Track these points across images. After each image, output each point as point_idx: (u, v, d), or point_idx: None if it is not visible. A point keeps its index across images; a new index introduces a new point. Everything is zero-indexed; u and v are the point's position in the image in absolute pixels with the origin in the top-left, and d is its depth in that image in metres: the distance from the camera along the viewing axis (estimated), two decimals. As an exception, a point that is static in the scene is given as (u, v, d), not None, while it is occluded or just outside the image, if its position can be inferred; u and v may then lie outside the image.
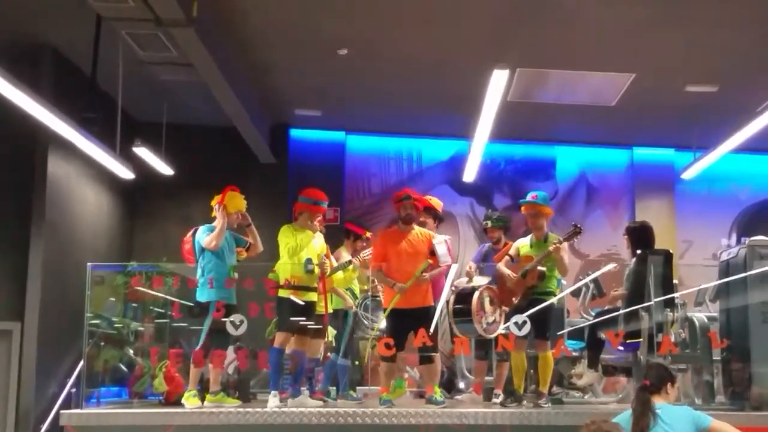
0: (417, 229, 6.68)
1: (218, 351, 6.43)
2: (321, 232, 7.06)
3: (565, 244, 6.49)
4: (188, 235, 6.77)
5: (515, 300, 6.51)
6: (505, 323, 6.47)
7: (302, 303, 6.55)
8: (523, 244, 6.67)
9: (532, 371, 6.66)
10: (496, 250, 7.22)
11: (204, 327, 6.43)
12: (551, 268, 6.50)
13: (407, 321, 6.38)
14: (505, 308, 6.58)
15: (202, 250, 6.53)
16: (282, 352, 6.51)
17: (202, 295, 6.46)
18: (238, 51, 8.76)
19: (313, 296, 6.62)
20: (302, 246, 6.57)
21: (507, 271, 6.54)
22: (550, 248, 6.39)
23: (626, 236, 6.79)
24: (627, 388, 7.30)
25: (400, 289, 6.38)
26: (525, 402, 6.34)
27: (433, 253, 6.50)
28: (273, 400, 6.25)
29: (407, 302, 6.42)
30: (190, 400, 6.31)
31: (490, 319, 6.59)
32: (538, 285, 6.46)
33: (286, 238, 6.62)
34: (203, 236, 6.52)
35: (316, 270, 6.59)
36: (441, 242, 6.62)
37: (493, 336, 6.56)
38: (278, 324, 6.55)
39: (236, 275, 6.56)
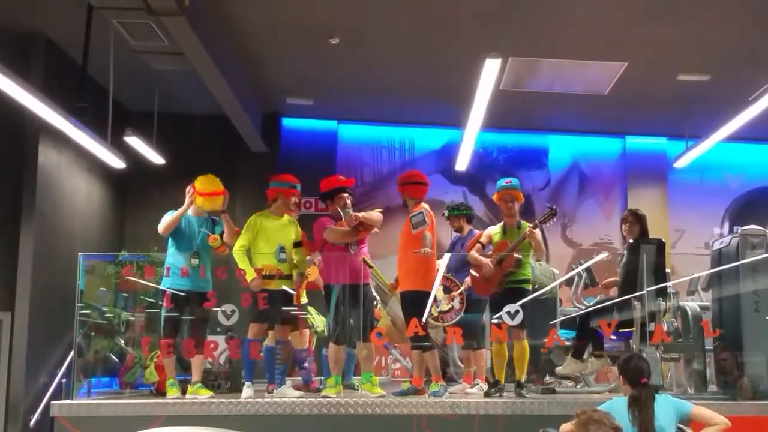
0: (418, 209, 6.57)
1: (168, 340, 6.37)
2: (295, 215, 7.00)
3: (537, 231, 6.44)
4: None
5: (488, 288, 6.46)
6: (492, 312, 6.44)
7: (281, 292, 6.44)
8: (495, 231, 6.61)
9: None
10: (461, 239, 7.19)
11: (161, 317, 6.42)
12: (526, 255, 6.44)
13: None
14: (485, 295, 6.54)
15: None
16: (254, 343, 6.43)
17: (162, 283, 6.43)
18: (229, 40, 8.71)
19: (287, 285, 6.51)
20: (271, 238, 6.48)
21: (483, 259, 6.45)
22: (526, 231, 6.36)
23: (628, 224, 6.70)
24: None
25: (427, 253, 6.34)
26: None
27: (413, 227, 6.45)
28: (247, 391, 6.24)
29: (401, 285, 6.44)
30: (171, 391, 6.35)
31: (445, 307, 6.56)
32: (514, 272, 6.42)
33: (246, 231, 6.53)
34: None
35: (295, 259, 6.55)
36: (418, 212, 6.48)
37: (449, 323, 6.53)
38: (250, 315, 6.45)
39: (195, 262, 6.45)
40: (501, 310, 6.19)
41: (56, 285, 8.56)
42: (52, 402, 6.25)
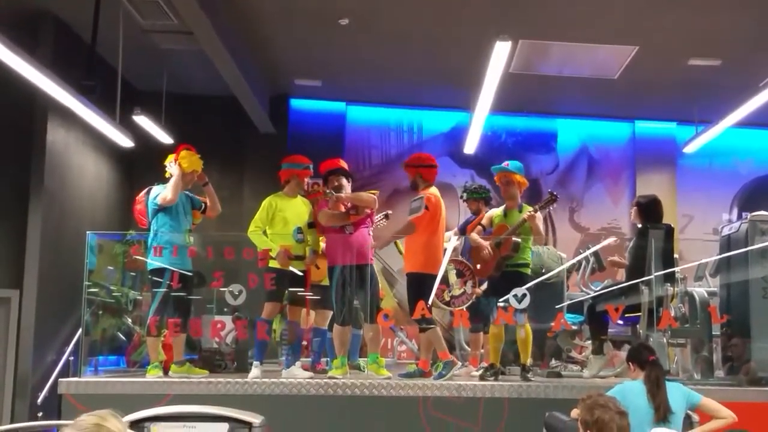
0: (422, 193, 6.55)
1: (174, 320, 6.38)
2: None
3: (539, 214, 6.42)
4: (141, 195, 6.71)
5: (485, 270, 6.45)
6: (490, 295, 6.43)
7: (293, 272, 6.47)
8: (496, 214, 6.60)
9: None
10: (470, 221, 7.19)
11: (156, 296, 6.39)
12: (526, 239, 6.42)
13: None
14: (479, 277, 6.54)
15: (156, 211, 6.46)
16: (269, 323, 6.47)
17: (155, 261, 6.36)
18: (238, 20, 8.67)
19: (299, 266, 6.52)
20: (290, 218, 6.51)
21: (482, 241, 6.44)
22: (524, 216, 6.34)
23: (636, 209, 6.70)
24: (625, 363, 7.32)
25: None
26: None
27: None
28: (255, 371, 6.27)
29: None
30: (151, 371, 6.34)
31: (457, 292, 6.55)
32: (513, 256, 6.40)
33: (261, 212, 6.55)
34: (158, 194, 6.43)
35: (308, 239, 6.55)
36: (418, 197, 6.50)
37: (462, 307, 6.53)
38: (266, 294, 6.47)
39: (191, 240, 6.50)
40: (499, 294, 6.21)
41: (64, 263, 8.59)
42: (59, 379, 6.30)
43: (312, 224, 6.70)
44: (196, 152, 6.68)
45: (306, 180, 6.76)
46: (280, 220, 6.53)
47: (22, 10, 8.41)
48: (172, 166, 6.54)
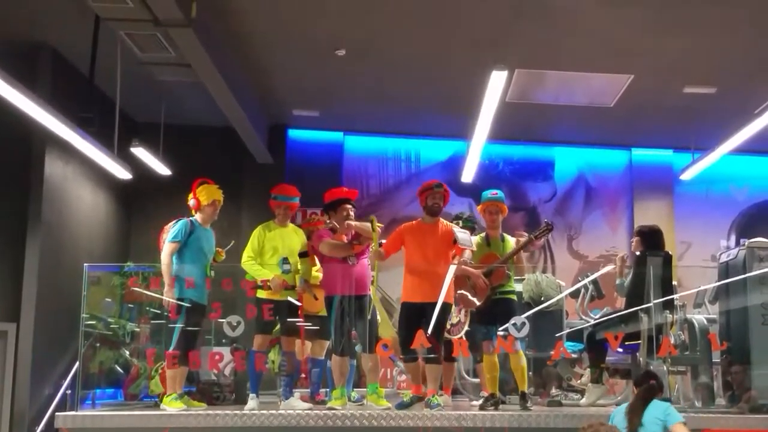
0: (441, 221, 6.46)
1: (173, 352, 6.31)
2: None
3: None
4: (169, 225, 6.67)
5: (473, 298, 6.40)
6: (478, 324, 6.39)
7: (285, 302, 6.43)
8: (477, 243, 6.55)
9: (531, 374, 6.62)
10: None
11: (175, 328, 6.35)
12: (511, 268, 6.42)
13: (421, 315, 6.15)
14: (471, 307, 6.48)
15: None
16: (260, 355, 6.37)
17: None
18: (236, 51, 8.74)
19: (292, 296, 6.48)
20: (276, 246, 6.48)
21: (473, 270, 6.35)
22: (521, 240, 6.35)
23: (638, 238, 6.70)
24: (626, 391, 7.28)
25: (378, 255, 6.17)
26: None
27: (455, 241, 6.24)
28: (251, 403, 6.22)
29: (425, 296, 6.17)
30: (172, 404, 6.22)
31: (455, 320, 6.52)
32: (504, 284, 6.38)
33: (251, 243, 6.54)
34: (170, 234, 6.44)
35: (300, 269, 6.54)
36: (464, 231, 6.45)
37: (456, 337, 6.49)
38: (255, 326, 6.42)
39: (212, 273, 6.47)
40: (489, 322, 6.18)
41: (62, 296, 8.56)
42: (56, 414, 6.24)
43: (304, 254, 6.67)
44: (213, 183, 6.68)
45: (287, 211, 6.69)
46: (269, 250, 6.50)
47: (20, 43, 8.48)
48: (192, 201, 6.58)
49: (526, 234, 6.54)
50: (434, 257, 6.22)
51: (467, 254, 6.26)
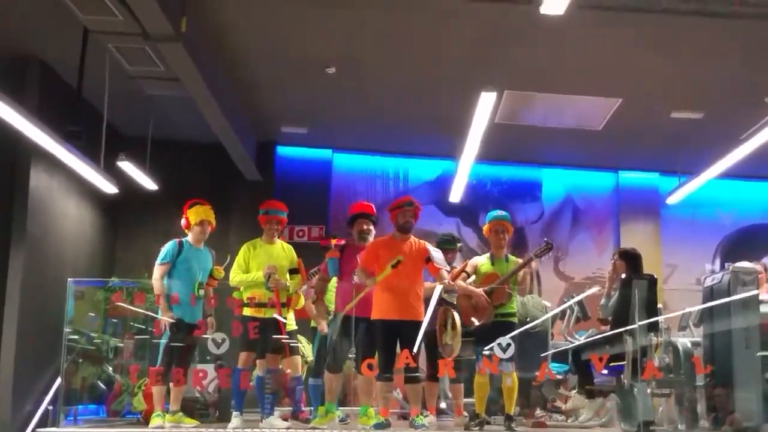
0: (413, 239, 6.43)
1: (177, 368, 6.32)
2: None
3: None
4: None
5: (474, 319, 6.38)
6: (479, 344, 6.35)
7: (269, 320, 6.41)
8: (482, 263, 6.54)
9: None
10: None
11: (159, 344, 6.39)
12: (512, 288, 6.40)
13: (396, 334, 6.16)
14: (473, 322, 6.43)
15: None
16: (245, 372, 6.35)
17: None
18: (225, 67, 8.75)
19: (273, 313, 6.45)
20: (262, 263, 6.46)
21: (475, 290, 6.35)
22: (521, 261, 6.34)
23: (622, 260, 6.70)
24: (610, 412, 7.27)
25: (371, 283, 6.14)
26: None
27: (429, 259, 6.24)
28: (234, 421, 6.19)
29: (401, 313, 6.16)
30: (154, 420, 6.26)
31: (449, 341, 6.47)
32: (505, 304, 6.37)
33: (237, 260, 6.55)
34: (159, 257, 6.50)
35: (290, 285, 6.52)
36: (437, 250, 6.46)
37: (449, 358, 6.43)
38: (239, 344, 6.40)
39: (201, 293, 6.47)
40: (487, 343, 6.15)
41: (45, 310, 8.46)
42: (37, 430, 6.18)
43: (294, 270, 6.65)
44: (205, 204, 6.70)
45: (275, 226, 6.67)
46: (254, 267, 6.49)
47: (8, 55, 8.45)
48: (183, 221, 6.64)
49: (527, 255, 6.52)
50: (407, 274, 6.17)
51: (443, 273, 6.25)
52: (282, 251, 6.69)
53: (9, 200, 8.70)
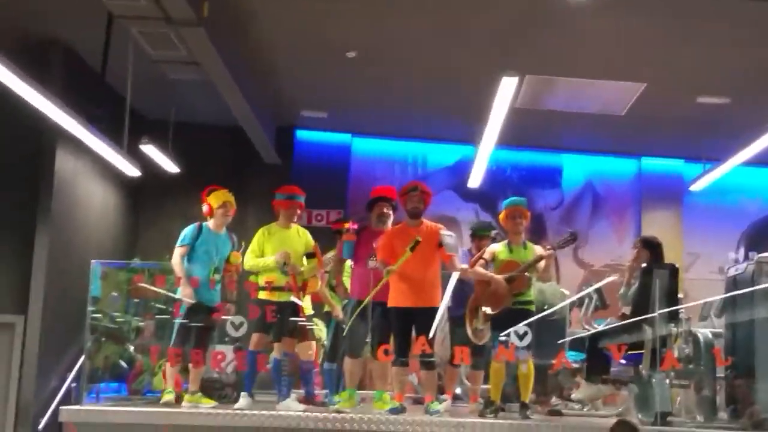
0: (426, 223, 6.43)
1: (195, 350, 6.41)
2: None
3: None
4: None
5: (488, 309, 6.38)
6: (495, 331, 6.36)
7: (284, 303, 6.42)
8: (499, 250, 6.47)
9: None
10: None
11: (174, 325, 6.51)
12: (532, 276, 6.35)
13: (411, 321, 6.17)
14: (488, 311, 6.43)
15: None
16: (255, 354, 6.39)
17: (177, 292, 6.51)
18: (246, 51, 8.76)
19: (290, 296, 6.47)
20: (277, 247, 6.46)
21: (496, 276, 6.29)
22: (544, 253, 6.29)
23: (646, 250, 6.64)
24: (627, 402, 7.25)
25: (389, 272, 6.11)
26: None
27: (441, 244, 6.23)
28: (242, 401, 6.24)
29: (415, 300, 6.18)
30: (164, 396, 6.44)
31: (481, 326, 6.49)
32: (524, 292, 6.36)
33: (253, 245, 6.56)
34: (179, 239, 6.58)
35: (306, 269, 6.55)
36: (450, 234, 6.41)
37: (481, 343, 6.47)
38: (254, 326, 6.43)
39: (217, 277, 6.55)
40: (506, 330, 6.14)
41: (69, 290, 8.59)
42: (60, 407, 6.29)
43: (311, 254, 6.68)
44: (220, 188, 6.76)
45: (293, 210, 6.65)
46: (270, 252, 6.48)
47: (32, 40, 8.54)
48: (205, 208, 6.69)
49: (550, 244, 6.49)
50: (422, 260, 6.17)
51: (456, 261, 6.26)
52: (297, 236, 6.69)
53: (35, 182, 8.84)
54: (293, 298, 6.62)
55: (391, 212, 6.71)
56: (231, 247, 6.76)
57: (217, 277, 6.58)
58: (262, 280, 6.49)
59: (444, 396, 7.08)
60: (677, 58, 8.58)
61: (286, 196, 6.71)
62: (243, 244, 6.78)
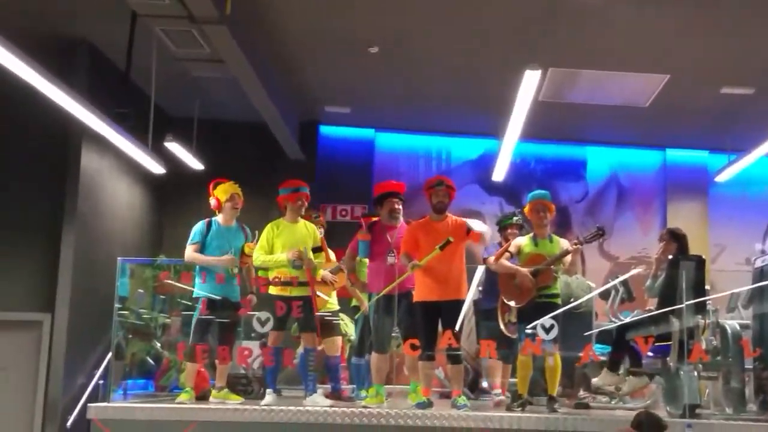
0: (450, 217, 6.45)
1: (221, 346, 6.45)
2: (322, 225, 7.15)
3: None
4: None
5: (512, 301, 6.37)
6: (520, 324, 6.34)
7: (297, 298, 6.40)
8: (525, 243, 6.47)
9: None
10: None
11: (192, 322, 6.54)
12: (558, 270, 6.34)
13: (437, 314, 6.19)
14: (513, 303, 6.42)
15: None
16: (281, 350, 6.44)
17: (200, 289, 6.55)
18: (269, 48, 8.79)
19: (304, 291, 6.44)
20: (287, 243, 6.46)
21: (521, 269, 6.30)
22: (570, 248, 6.26)
23: (675, 243, 6.59)
24: (655, 394, 7.21)
25: (414, 267, 6.13)
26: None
27: (469, 230, 6.24)
28: (268, 398, 6.29)
29: (441, 293, 6.19)
30: (180, 396, 6.49)
31: (514, 320, 6.49)
32: (550, 285, 6.34)
33: (261, 241, 6.55)
34: (189, 238, 6.61)
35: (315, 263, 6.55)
36: (477, 220, 6.45)
37: (514, 336, 6.48)
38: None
39: (234, 271, 6.58)
40: (530, 323, 6.14)
41: (96, 287, 8.68)
42: (88, 405, 6.35)
43: (318, 249, 6.66)
44: (226, 180, 6.79)
45: (299, 203, 6.61)
46: (279, 247, 6.47)
47: (58, 39, 8.61)
48: (213, 202, 6.73)
49: (577, 239, 6.47)
50: (446, 253, 6.16)
51: (486, 237, 6.29)
52: (305, 230, 6.67)
53: (61, 180, 8.92)
54: (320, 294, 6.64)
55: (401, 207, 6.71)
56: (244, 239, 6.75)
57: (235, 270, 6.59)
58: (271, 275, 6.47)
59: (496, 390, 7.09)
60: (700, 49, 8.49)
61: (291, 189, 6.67)
62: (257, 233, 6.77)
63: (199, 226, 6.67)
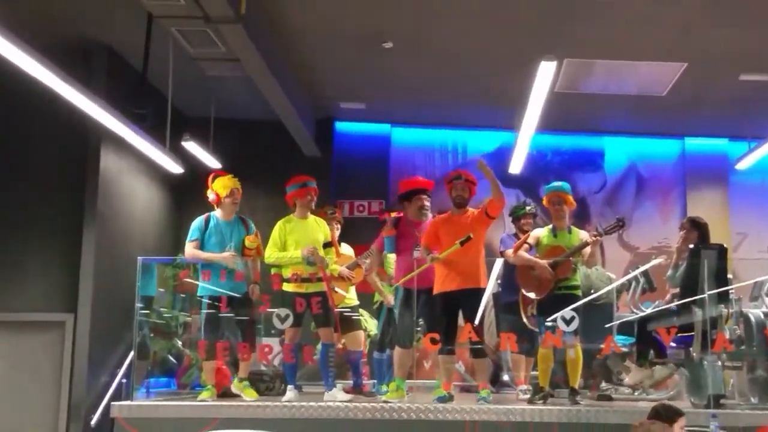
0: (471, 210, 6.45)
1: (241, 343, 6.49)
2: (339, 222, 7.17)
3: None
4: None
5: (532, 293, 6.34)
6: (539, 316, 6.32)
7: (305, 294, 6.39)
8: (543, 234, 6.46)
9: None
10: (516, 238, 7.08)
11: (201, 321, 6.58)
12: (577, 261, 6.33)
13: (457, 305, 6.20)
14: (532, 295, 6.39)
15: None
16: (300, 346, 6.45)
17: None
18: (284, 46, 8.81)
19: (319, 287, 6.44)
20: (299, 239, 6.45)
21: (540, 261, 6.28)
22: (589, 240, 6.23)
23: (694, 229, 6.54)
24: (679, 385, 7.17)
25: (433, 260, 6.15)
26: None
27: (486, 210, 6.32)
28: (289, 394, 6.31)
29: (459, 282, 6.20)
30: (202, 394, 6.50)
31: (536, 312, 6.48)
32: (569, 277, 6.30)
33: (273, 239, 6.53)
34: (188, 235, 6.64)
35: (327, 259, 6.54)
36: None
37: (536, 329, 6.47)
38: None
39: (236, 264, 6.56)
40: (550, 316, 6.12)
41: (117, 287, 8.74)
42: (112, 403, 6.41)
43: (328, 244, 6.65)
44: (223, 174, 6.81)
45: (308, 197, 6.61)
46: (291, 243, 6.46)
47: (76, 42, 8.67)
48: (212, 196, 6.70)
49: (597, 231, 6.44)
50: (467, 247, 6.16)
51: (504, 201, 6.38)
52: (316, 225, 6.66)
53: (81, 182, 8.99)
54: (338, 290, 6.65)
55: (429, 204, 6.74)
56: (245, 232, 6.72)
57: (236, 266, 6.56)
58: (287, 273, 6.46)
59: (523, 386, 7.09)
60: (717, 37, 8.40)
61: (299, 185, 6.65)
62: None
63: (197, 223, 6.66)
